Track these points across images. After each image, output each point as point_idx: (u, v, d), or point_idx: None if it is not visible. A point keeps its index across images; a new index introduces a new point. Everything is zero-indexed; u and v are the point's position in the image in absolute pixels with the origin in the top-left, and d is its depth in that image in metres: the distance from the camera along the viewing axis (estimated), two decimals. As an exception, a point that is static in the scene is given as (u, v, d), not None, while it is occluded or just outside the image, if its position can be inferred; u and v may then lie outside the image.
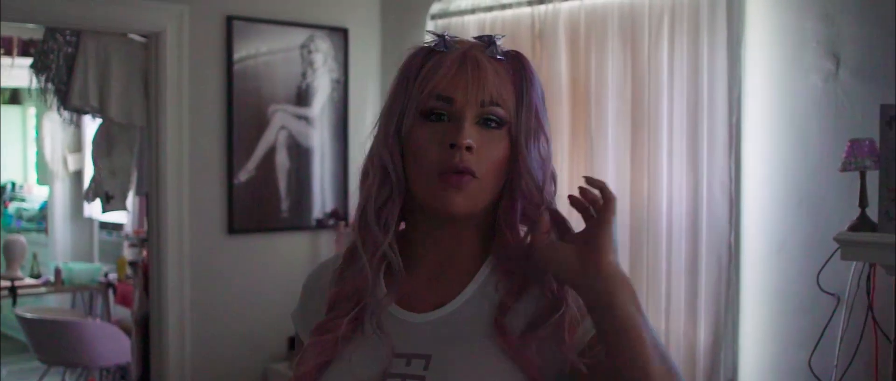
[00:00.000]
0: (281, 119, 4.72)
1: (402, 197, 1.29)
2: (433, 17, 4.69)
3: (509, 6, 4.32)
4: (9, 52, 6.70)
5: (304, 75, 4.78)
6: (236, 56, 4.53)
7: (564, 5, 4.10)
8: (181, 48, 4.37)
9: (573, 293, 1.24)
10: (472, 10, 4.48)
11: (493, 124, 1.25)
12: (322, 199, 4.88)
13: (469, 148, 1.22)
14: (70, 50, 4.69)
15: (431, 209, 1.27)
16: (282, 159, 4.72)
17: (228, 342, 4.53)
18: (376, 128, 1.33)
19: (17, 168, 9.08)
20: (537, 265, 1.23)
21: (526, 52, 4.11)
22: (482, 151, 1.24)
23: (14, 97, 8.91)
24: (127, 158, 5.15)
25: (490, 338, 1.25)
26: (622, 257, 3.70)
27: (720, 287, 3.61)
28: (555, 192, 1.31)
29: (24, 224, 8.34)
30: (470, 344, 1.25)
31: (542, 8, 4.18)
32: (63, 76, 4.72)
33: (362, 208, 1.30)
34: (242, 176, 4.59)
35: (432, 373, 1.23)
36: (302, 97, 4.78)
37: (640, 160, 3.84)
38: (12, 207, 8.53)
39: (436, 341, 1.26)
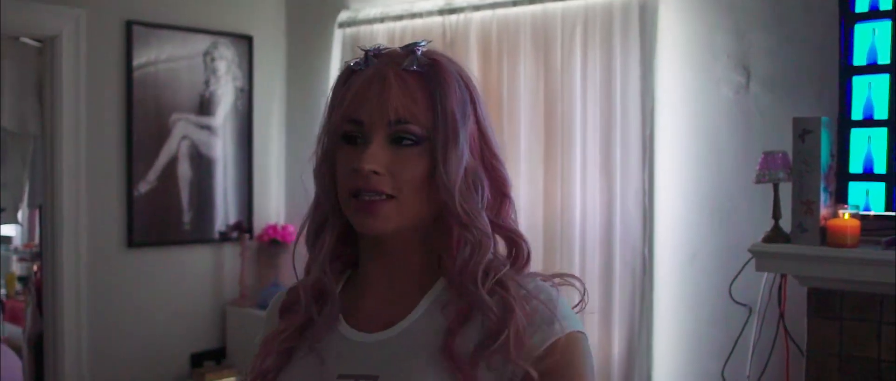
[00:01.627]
0: (183, 128, 4.57)
1: (338, 220, 1.28)
2: (341, 25, 4.62)
3: (420, 15, 4.27)
4: None
5: (207, 83, 4.64)
6: (136, 62, 4.37)
7: (476, 15, 4.07)
8: (78, 53, 4.19)
9: (523, 304, 1.20)
10: (382, 19, 4.42)
11: (409, 142, 1.21)
12: (225, 211, 4.74)
13: (374, 172, 1.19)
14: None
15: (358, 232, 1.26)
16: (184, 170, 4.57)
17: (129, 360, 4.36)
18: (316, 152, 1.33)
19: None
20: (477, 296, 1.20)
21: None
22: (397, 171, 1.20)
23: None
24: (19, 168, 4.93)
25: (438, 360, 1.20)
26: (535, 268, 3.70)
27: (634, 297, 3.62)
28: (482, 196, 1.24)
29: None
30: (417, 366, 1.21)
31: (453, 17, 4.15)
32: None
33: (305, 233, 1.32)
34: (143, 187, 4.43)
35: None
36: (205, 106, 4.64)
37: (553, 170, 3.83)
38: None
39: (383, 362, 1.23)
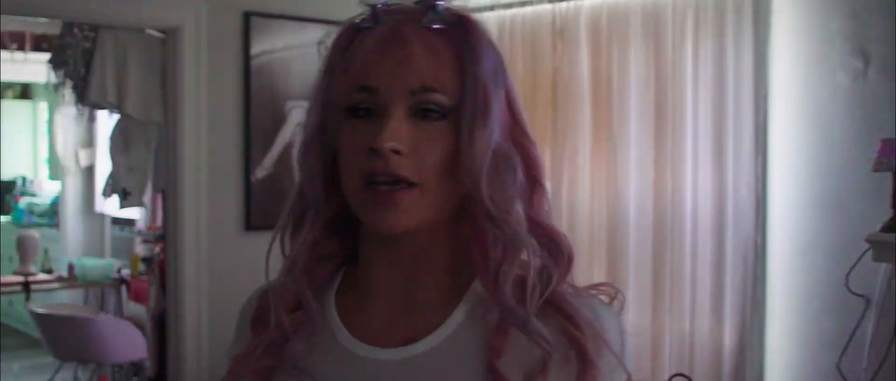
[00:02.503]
0: (298, 116, 4.68)
1: (324, 211, 1.05)
2: (452, 13, 4.66)
3: (529, 3, 4.28)
4: (21, 47, 6.68)
5: (321, 72, 4.75)
6: (253, 52, 4.50)
7: (586, 2, 4.06)
8: (199, 44, 4.34)
9: (589, 335, 0.99)
10: (491, 7, 4.44)
11: (434, 115, 0.98)
12: (339, 196, 4.85)
13: (396, 151, 0.96)
14: (88, 45, 4.67)
15: (367, 226, 1.03)
16: (299, 156, 4.69)
17: (245, 339, 4.50)
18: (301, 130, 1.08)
19: (28, 163, 9.06)
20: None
21: (545, 51, 4.10)
22: (421, 151, 0.98)
23: (25, 92, 8.89)
24: (144, 154, 5.13)
25: None
26: (645, 258, 3.68)
27: (746, 288, 3.58)
28: (514, 182, 1.01)
29: (34, 219, 8.32)
30: None
31: (563, 5, 4.15)
32: (81, 71, 4.69)
33: (284, 230, 1.08)
34: (260, 173, 4.56)
35: None
36: (319, 94, 4.75)
37: (663, 160, 3.81)
38: (23, 202, 8.51)
39: None
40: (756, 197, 3.56)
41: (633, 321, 3.89)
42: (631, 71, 3.90)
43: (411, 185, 0.97)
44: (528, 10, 4.29)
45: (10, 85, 8.30)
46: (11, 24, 6.45)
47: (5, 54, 6.68)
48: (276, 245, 1.07)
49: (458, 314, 1.02)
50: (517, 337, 0.98)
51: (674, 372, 3.63)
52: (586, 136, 4.05)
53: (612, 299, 1.06)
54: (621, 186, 3.92)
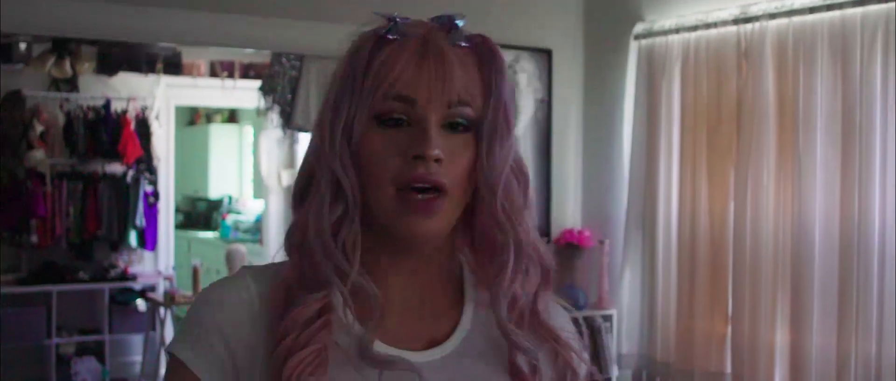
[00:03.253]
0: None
1: (359, 216, 1.05)
2: (636, 37, 4.77)
3: (714, 25, 4.34)
4: (231, 75, 7.20)
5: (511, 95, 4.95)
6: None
7: (772, 23, 4.09)
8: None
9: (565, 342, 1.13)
10: (677, 30, 4.53)
11: (462, 127, 1.04)
12: (525, 215, 5.03)
13: (437, 160, 1.01)
14: (294, 73, 5.04)
15: (395, 233, 1.05)
16: (487, 176, 4.91)
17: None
18: (314, 133, 1.09)
19: (234, 183, 9.67)
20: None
21: (730, 72, 4.16)
22: (451, 160, 1.03)
23: (232, 117, 9.50)
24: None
25: (506, 378, 1.10)
26: (830, 279, 3.66)
27: (936, 310, 3.53)
28: (526, 196, 1.12)
29: (239, 235, 8.87)
30: None
31: (748, 26, 4.19)
32: (287, 97, 5.08)
33: (315, 229, 1.04)
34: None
35: None
36: (507, 116, 4.95)
37: (850, 180, 3.79)
38: (230, 219, 9.09)
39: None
40: (947, 218, 3.51)
41: (817, 343, 3.89)
42: (817, 90, 3.90)
43: (442, 193, 1.02)
44: (714, 32, 4.35)
45: (218, 110, 8.90)
46: (222, 54, 6.97)
47: (216, 82, 7.22)
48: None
49: (468, 314, 1.12)
50: (524, 338, 1.09)
51: (860, 394, 3.61)
52: (771, 156, 4.07)
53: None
54: (806, 206, 3.92)
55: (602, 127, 5.08)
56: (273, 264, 1.10)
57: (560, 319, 1.16)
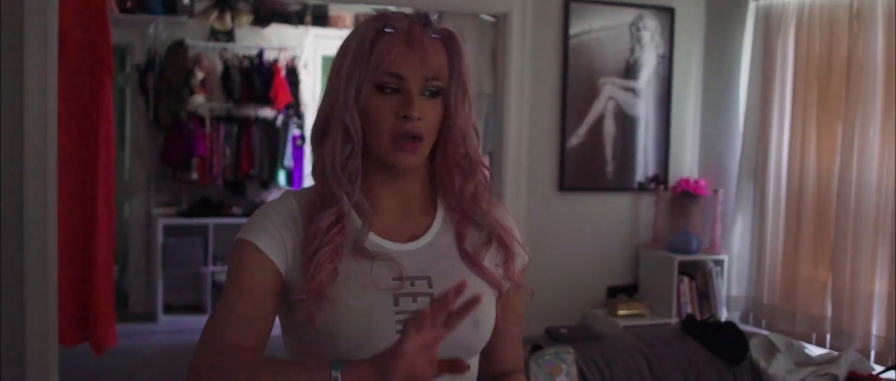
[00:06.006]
0: (610, 90, 5.23)
1: (361, 154, 1.51)
2: (756, -2, 5.01)
3: (830, -12, 4.54)
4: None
5: (632, 51, 5.26)
6: (571, 32, 5.10)
7: (885, -13, 4.27)
8: (524, 27, 5.00)
9: (508, 231, 1.62)
10: (794, -8, 4.74)
11: (434, 94, 1.49)
12: (645, 164, 5.35)
13: (418, 118, 1.47)
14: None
15: (388, 164, 1.51)
16: (609, 126, 5.25)
17: (555, 286, 5.11)
18: (329, 94, 1.53)
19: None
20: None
21: (842, 32, 4.38)
22: (426, 117, 1.48)
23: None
24: (477, 121, 5.87)
25: (460, 261, 1.57)
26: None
27: None
28: (478, 141, 1.58)
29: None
30: (451, 266, 1.56)
31: (861, -10, 4.38)
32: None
33: (330, 163, 1.50)
34: (574, 140, 5.17)
35: (438, 289, 1.50)
36: (629, 71, 5.27)
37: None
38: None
39: (426, 264, 1.54)
40: None
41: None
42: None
43: (421, 139, 1.49)
44: (830, -6, 4.56)
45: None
46: (367, 7, 7.41)
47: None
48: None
49: (439, 217, 1.60)
50: (472, 231, 1.59)
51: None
52: (877, 114, 4.28)
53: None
54: (910, 161, 4.14)
55: (719, 83, 5.34)
56: (307, 188, 1.58)
57: (507, 219, 1.65)
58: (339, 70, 1.51)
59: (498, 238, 1.60)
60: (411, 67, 1.47)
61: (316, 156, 1.55)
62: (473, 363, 1.57)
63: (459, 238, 1.58)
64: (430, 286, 1.51)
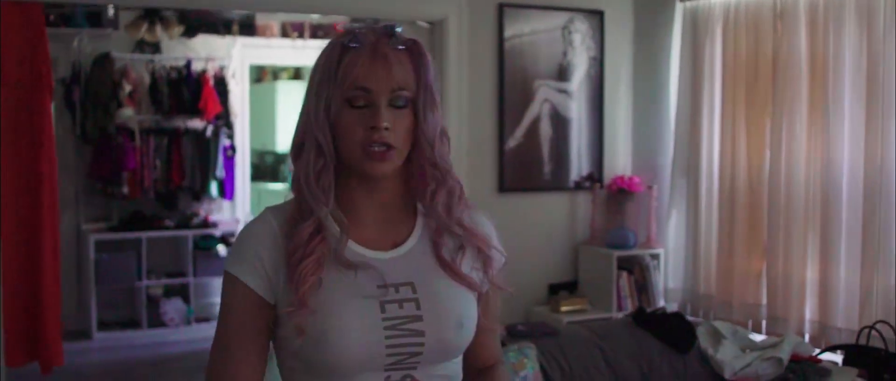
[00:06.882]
0: (544, 93, 5.36)
1: (333, 165, 1.54)
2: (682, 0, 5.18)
3: (753, -10, 4.73)
4: (301, 35, 7.65)
5: (564, 54, 5.39)
6: (506, 35, 5.20)
7: (805, -12, 4.47)
8: (461, 32, 5.09)
9: (481, 237, 1.64)
10: (719, -6, 4.93)
11: (401, 104, 1.51)
12: (579, 163, 5.49)
13: (386, 128, 1.49)
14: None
15: (362, 173, 1.54)
16: (545, 128, 5.37)
17: (498, 286, 5.18)
18: (303, 111, 1.56)
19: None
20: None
21: (767, 32, 4.57)
22: (395, 127, 1.51)
23: (296, 74, 9.97)
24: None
25: (438, 267, 1.59)
26: (856, 219, 4.13)
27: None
28: (448, 147, 1.60)
29: (306, 186, 9.37)
30: (433, 273, 1.58)
31: (784, -9, 4.58)
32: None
33: (304, 176, 1.54)
34: (511, 142, 5.28)
35: (422, 295, 1.54)
36: (562, 73, 5.40)
37: (874, 130, 4.20)
38: (294, 172, 9.59)
39: (409, 271, 1.56)
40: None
41: (843, 277, 4.33)
42: (845, 49, 4.29)
43: (391, 148, 1.51)
44: (753, -4, 4.76)
45: (285, 68, 9.35)
46: (293, 16, 7.44)
47: (287, 41, 7.67)
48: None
49: (418, 225, 1.62)
50: (447, 238, 1.60)
51: (878, 319, 4.05)
52: (803, 109, 4.48)
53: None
54: (834, 154, 4.35)
55: (650, 83, 5.52)
56: (285, 203, 1.60)
57: (483, 225, 1.69)
58: (311, 87, 1.56)
59: (471, 246, 1.62)
60: (376, 80, 1.50)
61: (293, 170, 1.58)
62: (457, 362, 1.62)
63: (436, 246, 1.60)
64: (415, 292, 1.54)
